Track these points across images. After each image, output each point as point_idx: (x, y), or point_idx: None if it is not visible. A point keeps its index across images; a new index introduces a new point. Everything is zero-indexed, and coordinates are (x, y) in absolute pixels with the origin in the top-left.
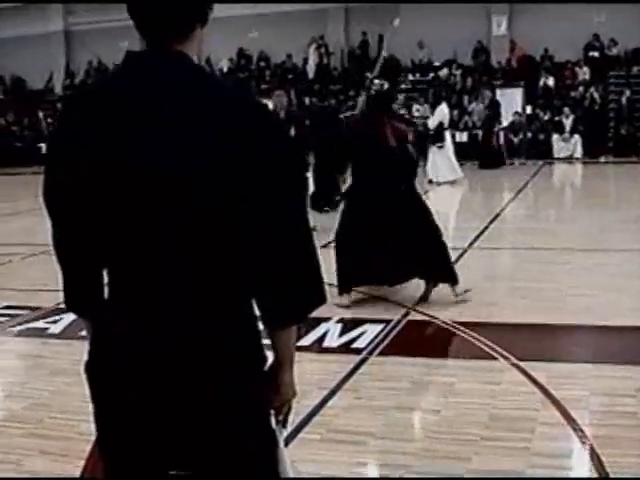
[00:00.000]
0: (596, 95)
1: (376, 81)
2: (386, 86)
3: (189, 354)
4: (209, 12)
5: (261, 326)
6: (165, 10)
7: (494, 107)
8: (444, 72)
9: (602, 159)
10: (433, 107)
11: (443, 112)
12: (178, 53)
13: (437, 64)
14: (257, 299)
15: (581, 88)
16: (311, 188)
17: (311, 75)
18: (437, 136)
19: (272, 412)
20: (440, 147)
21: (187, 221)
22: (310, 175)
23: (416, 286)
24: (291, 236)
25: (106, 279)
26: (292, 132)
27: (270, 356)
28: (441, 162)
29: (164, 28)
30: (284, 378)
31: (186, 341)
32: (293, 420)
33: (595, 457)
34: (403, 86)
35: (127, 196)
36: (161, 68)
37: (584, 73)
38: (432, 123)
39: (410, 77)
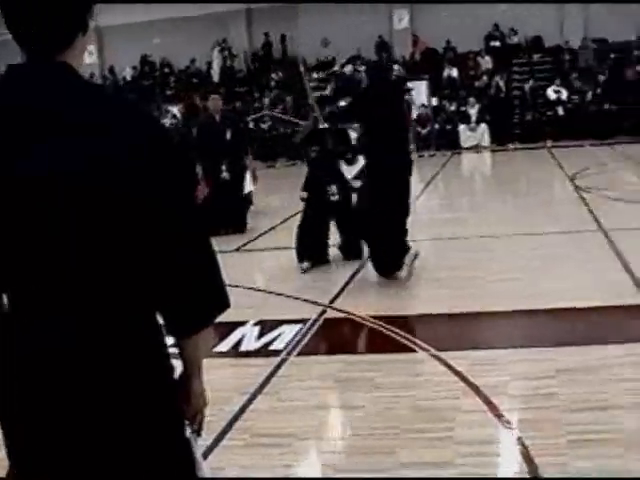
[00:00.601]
0: (501, 84)
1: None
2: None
3: (93, 368)
4: (89, 19)
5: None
6: (43, 21)
7: None
8: (349, 69)
9: (509, 146)
10: None
11: None
12: (60, 63)
13: (342, 61)
14: (160, 309)
15: (485, 78)
16: None
17: (216, 79)
18: None
19: (186, 422)
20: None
21: (82, 232)
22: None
23: (332, 283)
24: (188, 245)
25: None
26: (229, 135)
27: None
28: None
29: (43, 39)
30: (194, 387)
31: (89, 354)
32: (215, 427)
33: (519, 441)
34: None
35: (20, 209)
36: (43, 80)
37: (487, 63)
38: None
39: (315, 75)
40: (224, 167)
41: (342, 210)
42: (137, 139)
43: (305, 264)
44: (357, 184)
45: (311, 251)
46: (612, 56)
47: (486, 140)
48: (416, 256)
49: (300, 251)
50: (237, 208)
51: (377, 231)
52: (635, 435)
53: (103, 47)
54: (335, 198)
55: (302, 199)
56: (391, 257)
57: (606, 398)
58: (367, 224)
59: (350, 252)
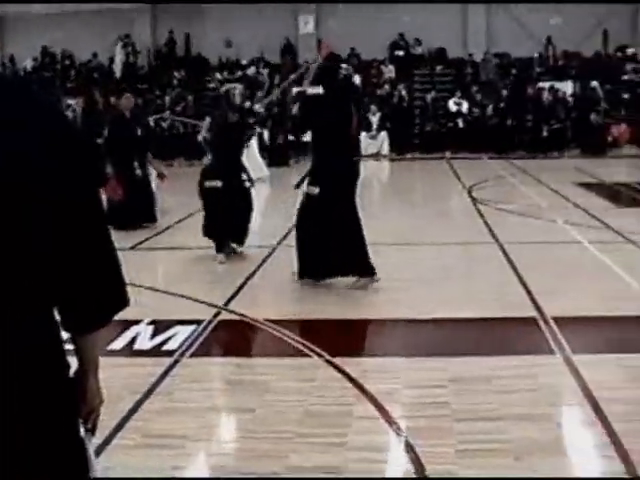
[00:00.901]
0: (404, 93)
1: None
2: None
3: None
4: None
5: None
6: None
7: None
8: (252, 70)
9: (409, 155)
10: None
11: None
12: None
13: (244, 62)
14: (59, 304)
15: (387, 86)
16: None
17: (117, 74)
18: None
19: (80, 420)
20: (246, 146)
21: None
22: None
23: (228, 285)
24: (90, 241)
25: None
26: (139, 131)
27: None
28: (247, 160)
29: None
30: (89, 385)
31: None
32: (106, 426)
33: (410, 449)
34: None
35: None
36: None
37: (390, 71)
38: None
39: (218, 76)
40: (136, 164)
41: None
42: (51, 135)
43: (221, 256)
44: (315, 191)
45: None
46: (514, 71)
47: (385, 148)
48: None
49: (219, 242)
50: (150, 205)
51: (336, 234)
52: (524, 446)
53: (4, 36)
54: (248, 185)
55: (211, 188)
56: (352, 258)
57: (496, 408)
58: (325, 229)
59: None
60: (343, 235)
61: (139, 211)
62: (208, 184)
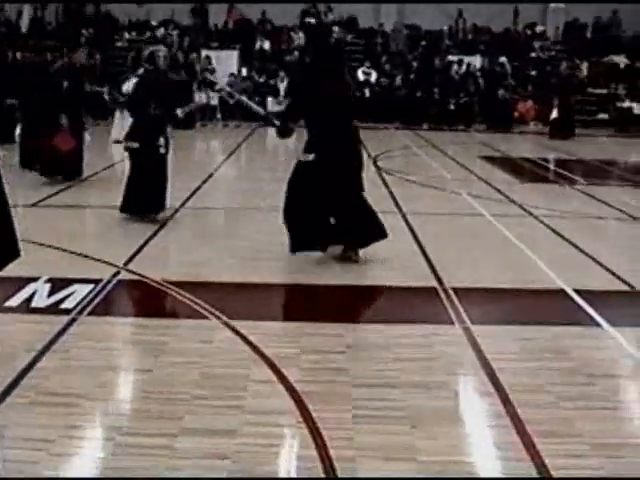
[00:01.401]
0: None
1: None
2: None
3: None
4: None
5: None
6: None
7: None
8: (161, 32)
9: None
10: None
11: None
12: None
13: (154, 23)
14: None
15: (296, 53)
16: None
17: (24, 29)
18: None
19: None
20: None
21: None
22: None
23: (128, 245)
24: None
25: None
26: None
27: None
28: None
29: None
30: None
31: None
32: (0, 383)
33: (306, 413)
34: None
35: None
36: None
37: (299, 38)
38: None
39: (127, 36)
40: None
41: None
42: None
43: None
44: (310, 157)
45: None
46: (423, 43)
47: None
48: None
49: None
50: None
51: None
52: (421, 413)
53: None
54: (163, 151)
55: (128, 149)
56: (361, 230)
57: (394, 376)
58: (332, 198)
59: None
60: (337, 202)
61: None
62: (127, 144)
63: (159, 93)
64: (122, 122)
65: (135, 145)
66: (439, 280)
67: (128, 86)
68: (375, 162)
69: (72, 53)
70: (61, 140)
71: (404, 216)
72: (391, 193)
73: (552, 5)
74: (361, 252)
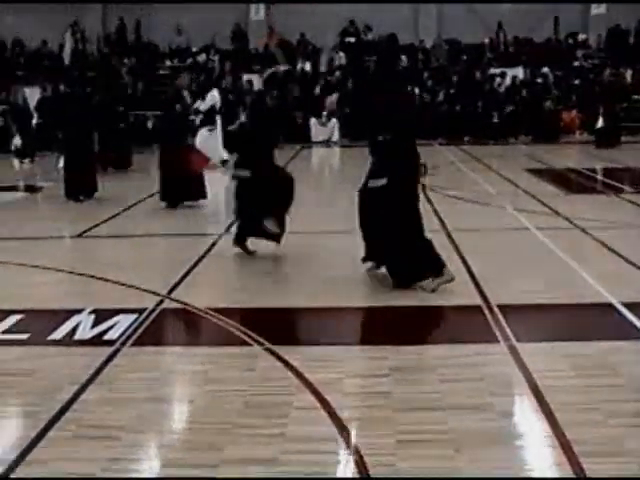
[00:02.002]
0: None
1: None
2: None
3: None
4: None
5: None
6: None
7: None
8: (202, 57)
9: (360, 143)
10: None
11: (215, 97)
12: None
13: (195, 49)
14: None
15: (338, 73)
16: None
17: (67, 61)
18: (209, 120)
19: None
20: (211, 130)
21: None
22: None
23: (171, 274)
24: None
25: None
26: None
27: None
28: (211, 145)
29: None
30: None
31: None
32: (43, 417)
33: (350, 439)
34: None
35: None
36: None
37: (340, 58)
38: (204, 106)
39: (168, 63)
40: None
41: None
42: None
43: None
44: (380, 183)
45: None
46: (464, 57)
47: (336, 135)
48: (448, 280)
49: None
50: None
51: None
52: (464, 436)
53: None
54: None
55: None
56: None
57: (437, 398)
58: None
59: None
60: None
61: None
62: (236, 173)
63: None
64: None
65: (246, 174)
66: (484, 297)
67: (205, 103)
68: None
69: (175, 79)
70: (196, 161)
71: (448, 233)
72: (434, 210)
73: (594, 12)
74: None
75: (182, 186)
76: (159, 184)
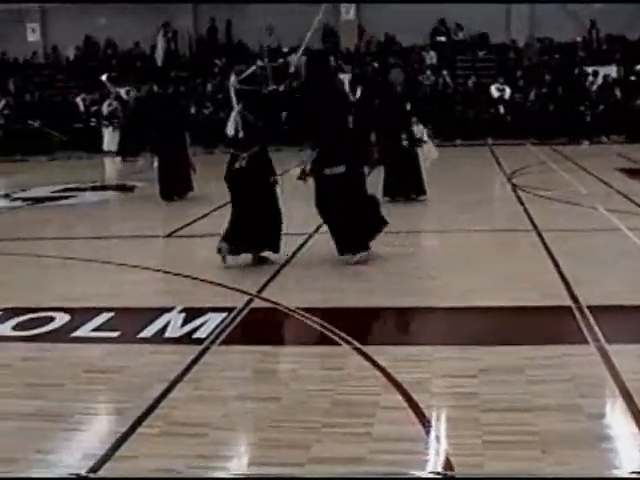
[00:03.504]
0: (448, 80)
1: None
2: None
3: None
4: None
5: None
6: None
7: None
8: (293, 57)
9: (457, 142)
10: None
11: None
12: None
13: (286, 50)
14: None
15: (429, 72)
16: None
17: (159, 62)
18: None
19: None
20: None
21: None
22: None
23: (261, 273)
24: None
25: None
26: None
27: None
28: None
29: None
30: None
31: None
32: (132, 414)
33: (437, 440)
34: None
35: None
36: None
37: (431, 58)
38: None
39: (259, 63)
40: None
41: None
42: None
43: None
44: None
45: None
46: (557, 56)
47: (425, 135)
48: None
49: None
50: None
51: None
52: (553, 438)
53: (47, 25)
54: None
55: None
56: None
57: (526, 399)
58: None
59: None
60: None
61: None
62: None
63: None
64: None
65: (341, 169)
66: (574, 298)
67: None
68: (510, 179)
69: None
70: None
71: (539, 233)
72: (525, 210)
73: None
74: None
75: None
76: None
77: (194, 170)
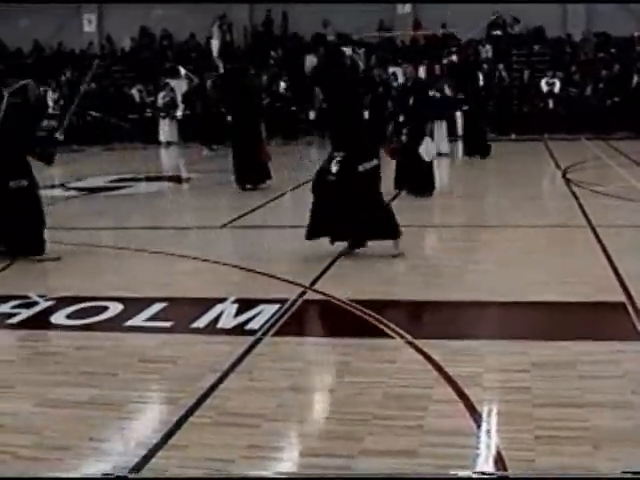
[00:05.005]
0: (504, 74)
1: None
2: None
3: None
4: None
5: None
6: None
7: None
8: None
9: (512, 136)
10: None
11: None
12: None
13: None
14: None
15: (485, 66)
16: None
17: (215, 54)
18: None
19: None
20: None
21: None
22: None
23: (314, 265)
24: None
25: None
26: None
27: None
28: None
29: None
30: None
31: None
32: (185, 403)
33: (489, 434)
34: None
35: None
36: None
37: (487, 51)
38: None
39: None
40: None
41: None
42: None
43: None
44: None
45: None
46: (613, 51)
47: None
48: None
49: None
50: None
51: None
52: (604, 434)
53: (103, 16)
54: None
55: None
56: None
57: (577, 395)
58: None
59: None
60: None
61: None
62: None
63: None
64: None
65: (375, 163)
66: (628, 294)
67: None
68: (564, 174)
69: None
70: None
71: (593, 229)
72: (580, 205)
73: None
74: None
75: None
76: None
77: (269, 158)
